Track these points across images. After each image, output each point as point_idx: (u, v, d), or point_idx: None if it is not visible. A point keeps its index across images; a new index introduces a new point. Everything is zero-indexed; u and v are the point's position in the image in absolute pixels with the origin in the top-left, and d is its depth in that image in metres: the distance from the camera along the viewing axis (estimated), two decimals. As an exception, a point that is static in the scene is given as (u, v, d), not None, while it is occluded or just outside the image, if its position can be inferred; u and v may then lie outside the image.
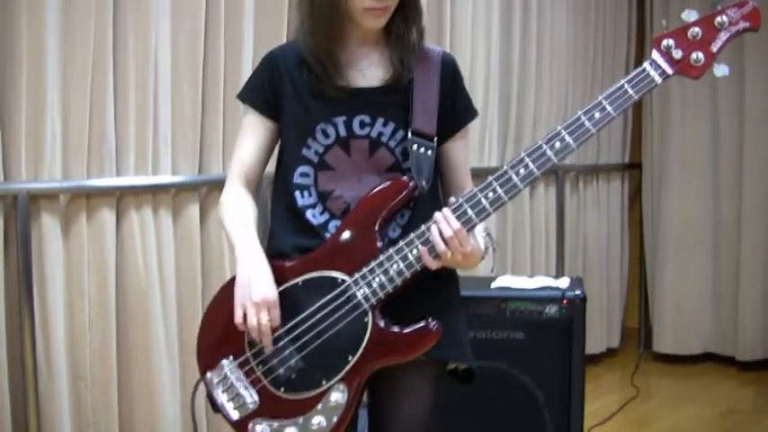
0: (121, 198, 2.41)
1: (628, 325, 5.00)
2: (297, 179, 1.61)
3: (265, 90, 1.64)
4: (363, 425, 1.73)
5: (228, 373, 1.60)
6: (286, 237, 1.63)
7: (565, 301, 2.52)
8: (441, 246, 1.49)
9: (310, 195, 1.61)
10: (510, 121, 3.91)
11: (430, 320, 1.52)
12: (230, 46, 2.64)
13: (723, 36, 1.50)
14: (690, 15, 1.52)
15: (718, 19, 1.50)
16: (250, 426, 1.58)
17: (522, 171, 1.52)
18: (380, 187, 1.56)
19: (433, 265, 1.51)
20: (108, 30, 2.31)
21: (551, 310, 2.52)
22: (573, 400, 2.51)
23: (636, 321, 4.98)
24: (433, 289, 1.59)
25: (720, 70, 1.53)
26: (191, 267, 2.56)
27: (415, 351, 1.53)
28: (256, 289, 1.53)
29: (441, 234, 1.49)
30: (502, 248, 3.88)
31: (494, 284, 2.68)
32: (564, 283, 2.65)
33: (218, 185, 2.62)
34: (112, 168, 2.37)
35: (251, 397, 1.58)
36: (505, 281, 2.71)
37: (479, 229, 1.60)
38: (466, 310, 1.73)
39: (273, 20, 2.74)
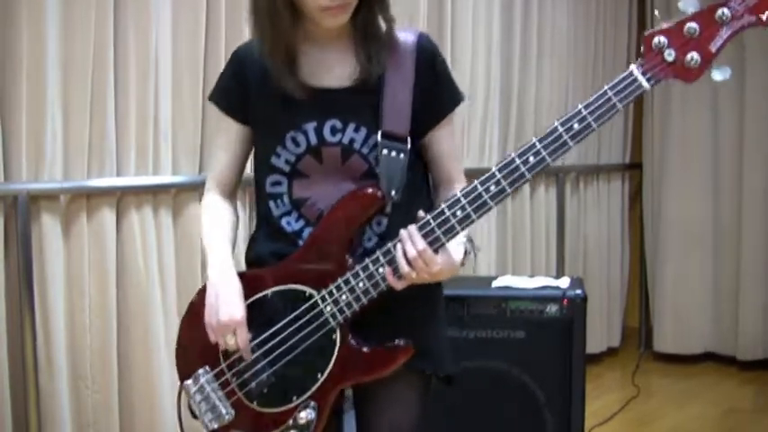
0: (122, 198, 2.41)
1: (628, 324, 5.00)
2: (269, 188, 1.57)
3: (232, 93, 1.60)
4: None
5: (205, 384, 1.59)
6: (265, 243, 1.60)
7: (565, 301, 2.52)
8: (404, 267, 1.42)
9: (284, 204, 1.56)
10: (511, 120, 3.91)
11: (399, 340, 1.48)
12: (231, 46, 2.62)
13: (724, 33, 1.30)
14: (687, 5, 1.33)
15: (719, 12, 1.30)
16: None
17: (492, 188, 1.41)
18: (348, 200, 1.50)
19: (398, 285, 1.45)
20: (108, 29, 2.31)
21: (552, 309, 2.52)
22: (573, 400, 2.51)
23: (636, 321, 4.98)
24: (409, 297, 1.51)
25: (720, 73, 1.34)
26: (191, 267, 2.56)
27: (384, 370, 1.49)
28: (223, 309, 1.51)
29: (405, 254, 1.42)
30: (502, 249, 3.88)
31: (494, 284, 2.68)
32: (564, 282, 2.65)
33: (218, 185, 2.64)
34: (113, 168, 2.36)
35: (225, 408, 1.57)
36: (506, 281, 2.71)
37: (459, 236, 1.49)
38: (445, 313, 1.68)
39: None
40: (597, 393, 3.88)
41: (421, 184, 1.61)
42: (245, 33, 2.65)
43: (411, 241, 1.42)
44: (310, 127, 1.52)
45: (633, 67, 1.35)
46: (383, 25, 1.51)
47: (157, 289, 2.46)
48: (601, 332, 4.54)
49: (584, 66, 4.39)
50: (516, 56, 3.91)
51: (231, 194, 1.69)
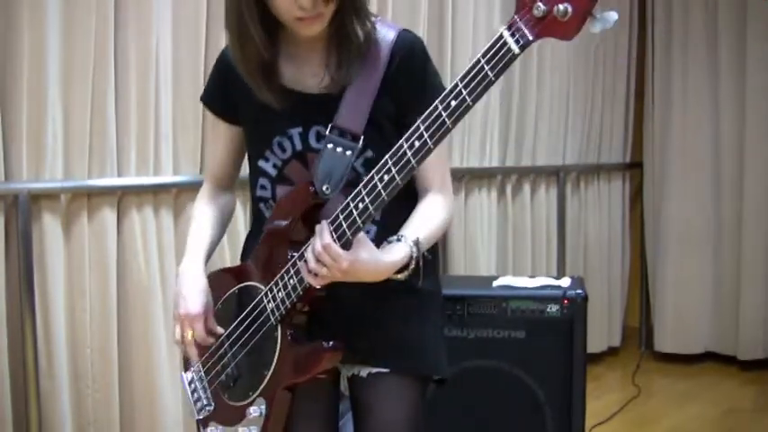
0: (123, 198, 2.41)
1: (629, 324, 5.00)
2: (258, 191, 1.59)
3: (220, 95, 1.62)
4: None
5: (195, 376, 1.65)
6: (256, 242, 1.61)
7: (566, 301, 2.52)
8: (311, 263, 1.37)
9: (270, 208, 1.57)
10: (511, 119, 3.91)
11: (324, 341, 1.45)
12: (231, 46, 2.64)
13: None
14: None
15: None
16: (207, 427, 1.62)
17: (385, 177, 1.31)
18: (286, 197, 1.51)
19: (314, 281, 1.39)
20: (109, 29, 2.31)
21: (553, 309, 2.52)
22: (574, 400, 2.51)
23: (637, 320, 4.98)
24: (381, 297, 1.49)
25: (600, 22, 1.12)
26: (192, 267, 2.56)
27: (314, 369, 1.45)
28: (182, 303, 1.58)
29: (312, 249, 1.37)
30: (503, 248, 3.88)
31: (495, 284, 2.68)
32: (565, 282, 2.65)
33: (219, 185, 2.64)
34: (114, 168, 2.37)
35: (208, 399, 1.62)
36: (507, 280, 2.71)
37: (406, 237, 1.43)
38: (433, 312, 1.64)
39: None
40: (598, 393, 3.88)
41: (414, 189, 1.57)
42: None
43: (319, 236, 1.37)
44: (295, 132, 1.52)
45: (503, 29, 1.17)
46: (360, 34, 1.46)
47: (158, 289, 2.47)
48: (601, 332, 4.54)
49: (584, 65, 4.39)
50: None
51: (226, 187, 1.73)
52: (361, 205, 1.34)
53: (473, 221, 3.64)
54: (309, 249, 1.39)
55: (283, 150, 1.54)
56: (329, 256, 1.35)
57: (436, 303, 1.65)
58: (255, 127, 1.58)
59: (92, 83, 2.28)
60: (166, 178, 2.51)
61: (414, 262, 1.42)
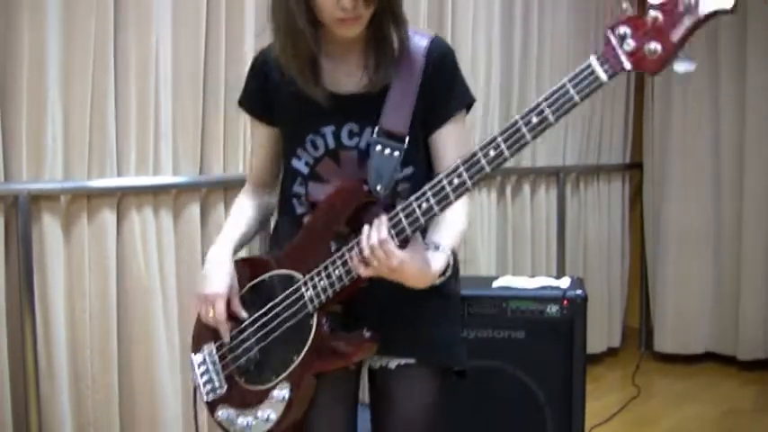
0: (122, 199, 2.41)
1: (629, 324, 5.00)
2: (291, 188, 1.65)
3: (257, 96, 1.68)
4: (366, 427, 1.74)
5: (207, 357, 1.68)
6: (287, 235, 1.66)
7: (566, 301, 2.52)
8: (365, 250, 1.44)
9: (302, 205, 1.64)
10: (510, 119, 3.90)
11: (365, 330, 1.52)
12: (231, 46, 2.64)
13: (687, 21, 1.21)
14: None
15: (685, 0, 1.21)
16: (216, 410, 1.65)
17: (455, 181, 1.39)
18: (336, 192, 1.55)
19: (363, 272, 1.46)
20: (109, 30, 2.31)
21: (552, 309, 2.52)
22: (574, 400, 2.51)
23: (637, 321, 4.98)
24: (414, 296, 1.54)
25: (683, 65, 1.27)
26: (191, 268, 2.56)
27: (352, 357, 1.54)
28: (207, 282, 1.62)
29: (368, 238, 1.44)
30: (503, 249, 3.88)
31: (495, 284, 2.68)
32: (565, 282, 2.65)
33: (218, 186, 2.64)
34: (113, 169, 2.37)
35: (220, 382, 1.65)
36: (506, 281, 2.71)
37: (444, 247, 1.52)
38: (458, 311, 1.74)
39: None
40: (597, 393, 3.88)
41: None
42: (245, 34, 2.66)
43: (377, 229, 1.43)
44: (328, 131, 1.58)
45: (592, 58, 1.30)
46: (395, 39, 1.55)
47: (158, 289, 2.47)
48: (601, 332, 4.54)
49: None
50: (516, 55, 3.91)
51: (267, 187, 1.78)
52: (425, 205, 1.41)
53: (473, 222, 3.64)
54: (363, 241, 1.44)
55: (316, 148, 1.60)
56: (383, 251, 1.41)
57: (458, 303, 1.75)
58: (289, 125, 1.64)
59: (91, 84, 2.29)
60: (166, 179, 2.51)
61: (450, 270, 1.53)
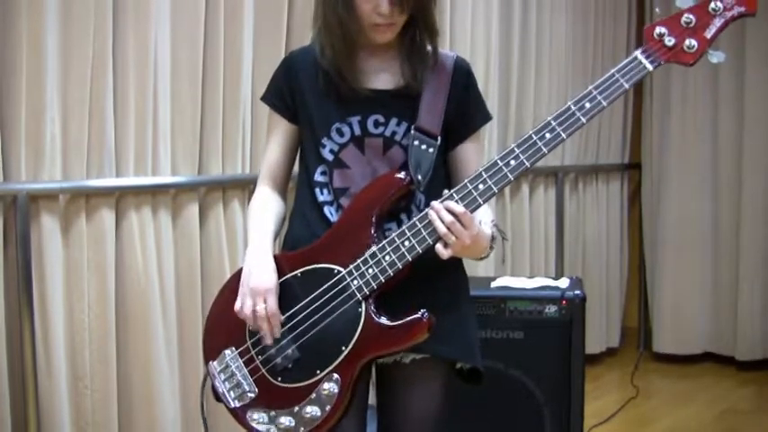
0: (121, 198, 2.41)
1: (627, 325, 4.99)
2: (317, 177, 1.67)
3: (283, 93, 1.71)
4: (372, 428, 1.74)
5: (230, 363, 1.65)
6: (305, 227, 1.67)
7: (564, 301, 2.52)
8: (441, 228, 1.49)
9: (329, 193, 1.66)
10: (510, 119, 3.91)
11: (422, 312, 1.53)
12: (230, 46, 2.65)
13: (717, 22, 1.48)
14: (684, 1, 1.49)
15: (713, 5, 1.47)
16: (248, 414, 1.63)
17: (512, 162, 1.51)
18: (376, 181, 1.61)
19: (445, 253, 1.50)
20: (108, 30, 2.31)
21: (551, 309, 2.52)
22: (573, 400, 2.51)
23: (635, 321, 4.98)
24: (440, 288, 1.63)
25: (716, 57, 1.50)
26: (190, 268, 2.56)
27: (407, 341, 1.55)
28: (254, 278, 1.59)
29: (441, 219, 1.50)
30: (501, 249, 3.88)
31: (493, 284, 2.68)
32: (563, 283, 2.65)
33: (217, 186, 2.65)
34: (112, 169, 2.37)
35: (249, 386, 1.63)
36: (505, 281, 2.71)
37: (486, 219, 1.60)
38: (474, 311, 1.76)
39: (273, 20, 2.74)
40: (596, 394, 3.88)
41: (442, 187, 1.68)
42: (243, 35, 2.66)
43: (446, 208, 1.49)
44: (355, 120, 1.64)
45: (637, 52, 1.50)
46: (429, 47, 1.65)
47: (156, 289, 2.46)
48: (600, 332, 4.54)
49: (582, 65, 4.39)
50: (515, 56, 3.91)
51: (281, 188, 1.79)
52: (481, 186, 1.51)
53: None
54: (436, 221, 1.49)
55: (341, 135, 1.65)
56: (461, 225, 1.48)
57: (473, 302, 1.80)
58: (316, 117, 1.67)
59: (90, 84, 2.29)
60: (165, 179, 2.51)
61: (494, 243, 1.63)
